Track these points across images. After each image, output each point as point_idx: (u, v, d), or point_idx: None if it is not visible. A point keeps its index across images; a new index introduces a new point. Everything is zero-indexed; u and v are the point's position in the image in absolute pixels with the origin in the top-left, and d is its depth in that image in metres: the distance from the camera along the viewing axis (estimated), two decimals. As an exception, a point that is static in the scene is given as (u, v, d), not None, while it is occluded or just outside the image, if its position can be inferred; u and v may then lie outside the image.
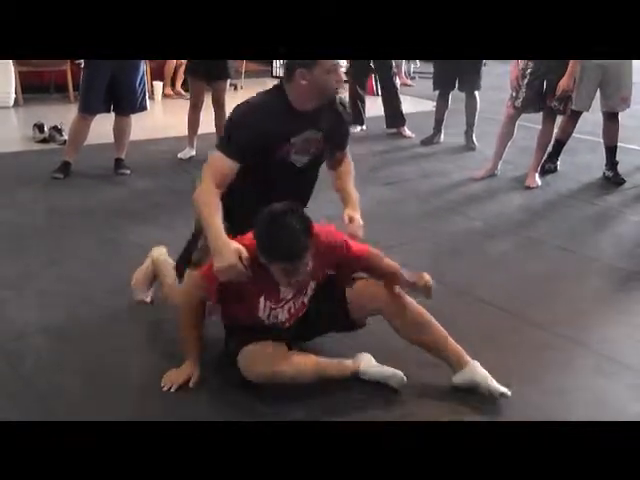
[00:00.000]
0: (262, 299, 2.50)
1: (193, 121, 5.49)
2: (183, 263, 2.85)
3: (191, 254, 2.81)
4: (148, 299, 3.08)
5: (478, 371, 2.50)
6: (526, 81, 4.87)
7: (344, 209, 2.84)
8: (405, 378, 2.51)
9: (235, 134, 2.61)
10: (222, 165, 2.58)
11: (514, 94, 4.96)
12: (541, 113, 5.06)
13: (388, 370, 2.54)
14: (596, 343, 2.97)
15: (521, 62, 4.92)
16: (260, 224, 2.31)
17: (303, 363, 2.49)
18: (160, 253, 3.11)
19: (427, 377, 2.64)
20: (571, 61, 4.66)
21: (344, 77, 2.68)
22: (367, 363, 2.57)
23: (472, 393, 2.49)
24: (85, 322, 2.95)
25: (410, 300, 2.58)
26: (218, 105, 5.36)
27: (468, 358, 2.54)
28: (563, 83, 4.71)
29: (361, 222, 2.73)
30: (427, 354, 2.60)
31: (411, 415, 2.44)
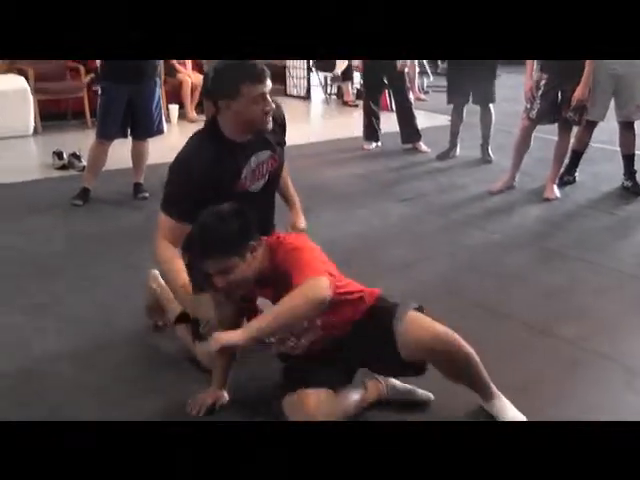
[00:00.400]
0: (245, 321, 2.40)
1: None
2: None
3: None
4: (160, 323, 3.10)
5: (506, 406, 2.41)
6: (540, 92, 4.86)
7: (291, 217, 2.91)
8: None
9: (178, 195, 2.52)
10: (172, 228, 2.55)
11: (529, 106, 4.95)
12: (556, 124, 5.04)
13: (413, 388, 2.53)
14: (625, 357, 2.93)
15: (535, 73, 4.92)
16: (200, 218, 2.26)
17: (342, 409, 2.37)
18: (157, 285, 3.03)
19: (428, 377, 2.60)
20: (585, 71, 4.65)
21: (273, 106, 2.51)
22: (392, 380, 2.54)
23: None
24: (107, 347, 2.97)
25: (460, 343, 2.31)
26: None
27: (494, 389, 2.42)
28: (578, 93, 4.70)
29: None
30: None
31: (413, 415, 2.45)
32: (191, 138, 2.62)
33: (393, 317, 2.30)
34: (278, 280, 2.25)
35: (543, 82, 4.83)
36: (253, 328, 2.14)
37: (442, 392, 2.54)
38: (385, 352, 2.30)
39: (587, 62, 4.63)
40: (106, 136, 4.84)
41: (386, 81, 6.63)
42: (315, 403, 2.28)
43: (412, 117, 6.58)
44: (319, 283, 2.13)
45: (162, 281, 2.96)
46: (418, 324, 2.28)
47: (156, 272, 3.04)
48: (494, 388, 2.42)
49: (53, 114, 7.40)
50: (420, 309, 2.39)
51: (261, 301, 2.39)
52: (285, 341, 2.40)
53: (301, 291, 2.11)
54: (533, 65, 4.95)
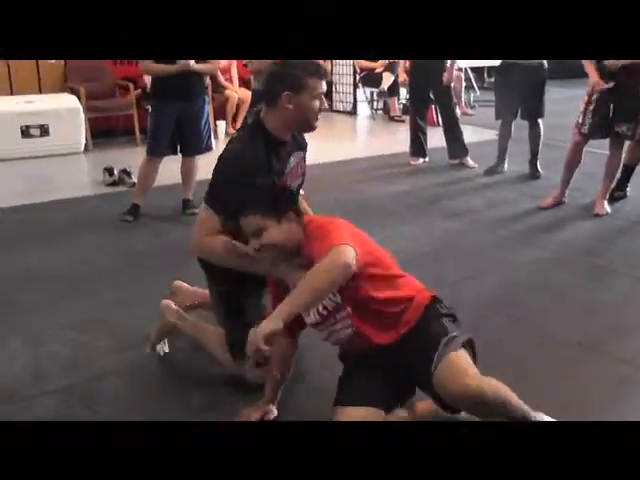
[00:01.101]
0: None
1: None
2: (238, 349, 2.63)
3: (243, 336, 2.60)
4: (166, 349, 3.08)
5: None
6: (592, 107, 4.79)
7: None
8: None
9: (229, 193, 2.50)
10: (215, 226, 2.55)
11: (580, 120, 4.89)
12: (608, 139, 4.97)
13: None
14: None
15: (588, 87, 4.85)
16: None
17: None
18: (174, 315, 2.98)
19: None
20: None
21: (325, 105, 2.62)
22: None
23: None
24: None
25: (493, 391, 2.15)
26: None
27: (532, 413, 2.25)
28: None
29: None
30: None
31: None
32: (237, 137, 2.65)
33: (436, 350, 2.20)
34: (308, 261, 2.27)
35: (595, 97, 4.76)
36: (284, 305, 2.15)
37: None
38: (425, 379, 2.23)
39: None
40: (156, 153, 4.92)
41: (432, 96, 6.62)
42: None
43: (459, 132, 6.55)
44: (341, 249, 2.14)
45: (183, 313, 2.99)
46: (451, 371, 2.15)
47: (171, 303, 3.04)
48: (531, 413, 2.23)
49: (103, 131, 7.56)
50: (470, 342, 2.30)
51: None
52: (325, 326, 2.39)
53: (324, 259, 2.13)
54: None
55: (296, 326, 2.42)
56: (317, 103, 2.53)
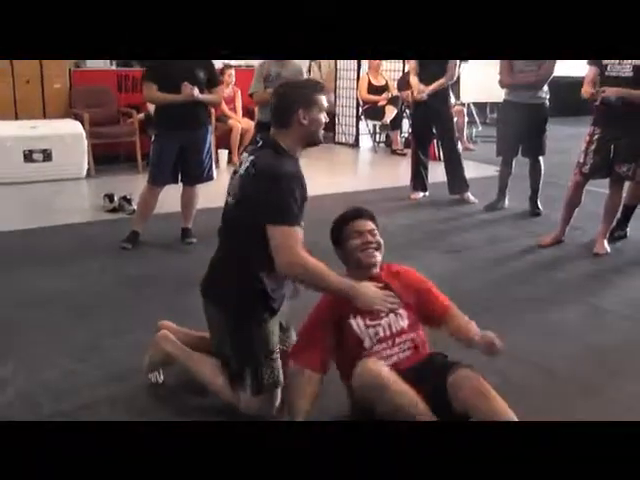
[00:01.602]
0: (354, 319, 2.63)
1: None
2: (239, 380, 2.74)
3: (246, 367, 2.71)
4: (161, 379, 3.05)
5: None
6: (593, 147, 4.81)
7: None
8: None
9: (294, 202, 2.54)
10: (298, 236, 2.54)
11: (581, 160, 4.90)
12: (608, 178, 4.98)
13: None
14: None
15: (589, 127, 4.88)
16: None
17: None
18: (170, 344, 2.95)
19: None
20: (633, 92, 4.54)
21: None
22: None
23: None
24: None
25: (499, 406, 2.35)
26: None
27: None
28: (610, 91, 4.59)
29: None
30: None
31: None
32: (265, 154, 2.63)
33: (448, 369, 2.44)
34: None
35: (596, 137, 4.78)
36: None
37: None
38: (438, 402, 2.39)
39: None
40: (158, 182, 4.93)
41: (435, 131, 6.66)
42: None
43: (460, 167, 6.57)
44: None
45: (179, 345, 2.94)
46: (467, 379, 2.39)
47: (168, 333, 2.99)
48: None
49: (106, 157, 7.59)
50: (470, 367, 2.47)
51: None
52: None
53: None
54: None
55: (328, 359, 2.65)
56: (324, 116, 2.69)
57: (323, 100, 2.68)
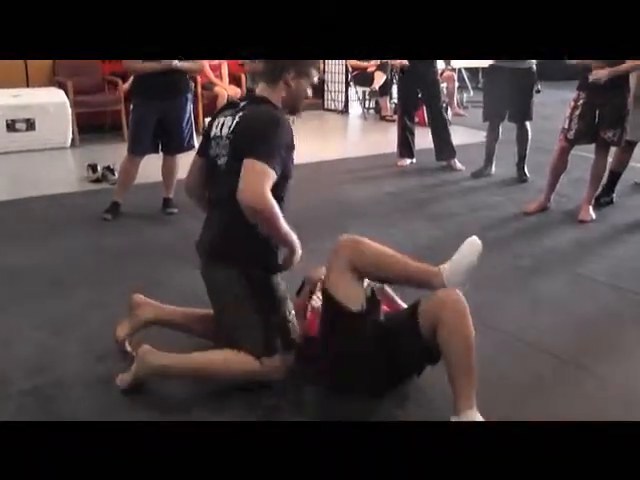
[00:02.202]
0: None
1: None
2: (273, 343, 2.69)
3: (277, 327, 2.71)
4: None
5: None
6: (578, 112, 4.74)
7: None
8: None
9: (279, 149, 2.54)
10: (271, 180, 2.49)
11: (566, 126, 4.84)
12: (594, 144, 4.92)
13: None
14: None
15: (574, 93, 4.81)
16: None
17: None
18: (159, 357, 2.71)
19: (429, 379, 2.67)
20: (619, 65, 4.49)
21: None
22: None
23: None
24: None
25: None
26: None
27: (467, 405, 2.40)
28: (597, 73, 4.54)
29: None
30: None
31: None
32: (262, 105, 2.67)
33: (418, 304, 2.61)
34: None
35: (581, 102, 4.72)
36: None
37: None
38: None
39: (626, 63, 4.49)
40: (137, 152, 4.86)
41: (421, 96, 6.57)
42: None
43: (447, 134, 6.50)
44: None
45: (167, 354, 2.73)
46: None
47: (150, 348, 2.73)
48: (468, 403, 2.39)
49: (91, 126, 7.49)
50: None
51: None
52: None
53: None
54: None
55: None
56: (309, 91, 2.77)
57: (314, 75, 2.75)
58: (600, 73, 4.50)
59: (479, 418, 2.37)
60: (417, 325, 2.54)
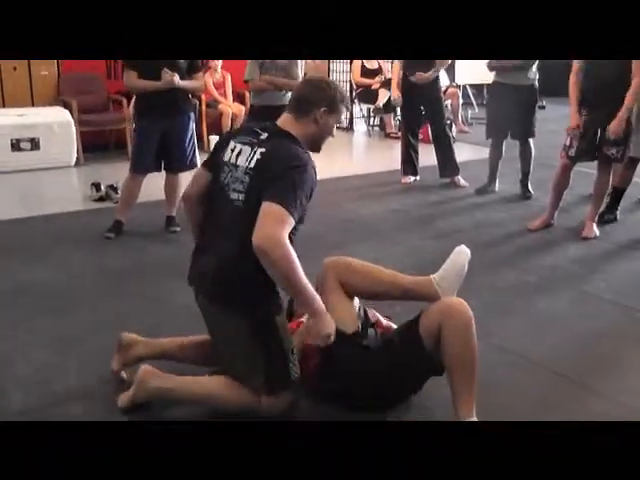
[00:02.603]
0: None
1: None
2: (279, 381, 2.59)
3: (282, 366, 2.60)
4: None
5: None
6: (580, 130, 4.73)
7: None
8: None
9: (303, 198, 2.39)
10: (288, 223, 2.33)
11: (568, 144, 4.82)
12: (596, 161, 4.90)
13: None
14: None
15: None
16: None
17: None
18: (158, 379, 2.69)
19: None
20: (624, 106, 4.50)
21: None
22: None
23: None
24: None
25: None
26: None
27: (468, 412, 2.42)
28: (613, 127, 4.55)
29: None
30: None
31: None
32: (286, 141, 2.51)
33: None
34: None
35: (582, 119, 4.70)
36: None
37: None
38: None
39: (627, 96, 4.49)
40: (140, 170, 4.88)
41: (424, 113, 6.57)
42: None
43: (451, 151, 6.50)
44: None
45: (169, 376, 2.72)
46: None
47: (151, 368, 2.72)
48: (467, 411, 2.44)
49: (96, 145, 7.51)
50: None
51: None
52: None
53: None
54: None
55: None
56: (334, 130, 2.64)
57: (342, 114, 2.67)
58: (614, 130, 4.57)
59: None
60: (419, 337, 2.54)
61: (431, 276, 2.67)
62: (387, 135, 9.21)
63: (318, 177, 2.50)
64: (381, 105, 9.05)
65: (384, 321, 2.98)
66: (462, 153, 6.80)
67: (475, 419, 2.42)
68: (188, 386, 2.67)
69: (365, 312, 2.78)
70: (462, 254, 2.70)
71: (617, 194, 5.23)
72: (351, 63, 9.37)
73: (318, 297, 2.45)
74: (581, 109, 4.71)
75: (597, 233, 4.92)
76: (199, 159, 5.14)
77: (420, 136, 6.89)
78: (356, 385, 2.63)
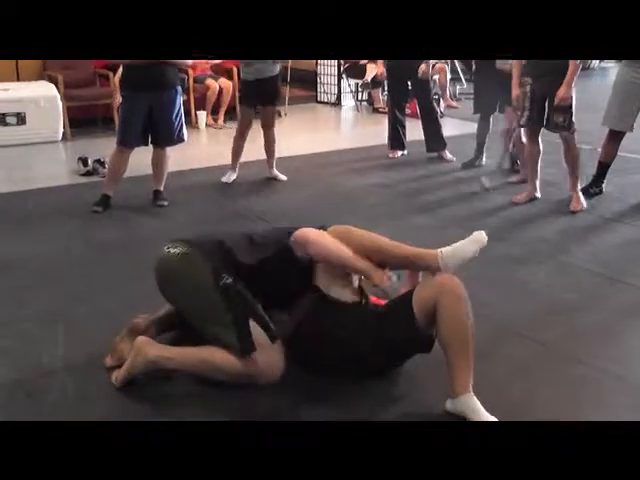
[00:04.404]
0: None
1: (238, 148, 5.61)
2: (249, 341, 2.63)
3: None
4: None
5: (470, 405, 2.43)
6: (528, 97, 4.79)
7: None
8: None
9: None
10: None
11: (519, 113, 4.91)
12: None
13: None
14: (636, 379, 2.83)
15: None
16: None
17: None
18: (156, 349, 2.71)
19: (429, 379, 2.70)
20: (569, 71, 4.54)
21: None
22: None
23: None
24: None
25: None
26: (268, 128, 5.48)
27: (464, 389, 2.46)
28: (560, 93, 4.59)
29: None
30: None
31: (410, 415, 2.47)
32: None
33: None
34: None
35: (528, 87, 4.76)
36: None
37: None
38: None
39: (571, 64, 4.53)
40: (126, 144, 4.87)
41: (411, 89, 6.57)
42: None
43: (437, 125, 6.51)
44: None
45: (166, 346, 2.76)
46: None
47: (148, 339, 2.75)
48: (464, 387, 2.46)
49: (83, 120, 7.48)
50: None
51: None
52: None
53: None
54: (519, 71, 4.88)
55: None
56: None
57: None
58: (562, 97, 4.63)
59: (475, 402, 2.42)
60: (412, 312, 2.57)
61: (437, 250, 2.67)
62: (375, 110, 9.20)
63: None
64: (369, 80, 9.03)
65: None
66: (449, 128, 6.80)
67: (472, 396, 2.44)
68: (185, 353, 2.71)
69: (361, 287, 2.82)
70: (478, 242, 2.71)
71: (602, 168, 5.24)
72: (339, 38, 9.32)
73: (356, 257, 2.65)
74: (526, 79, 4.78)
75: (585, 205, 4.94)
76: (186, 134, 5.15)
77: (408, 111, 6.90)
78: (342, 347, 2.68)
